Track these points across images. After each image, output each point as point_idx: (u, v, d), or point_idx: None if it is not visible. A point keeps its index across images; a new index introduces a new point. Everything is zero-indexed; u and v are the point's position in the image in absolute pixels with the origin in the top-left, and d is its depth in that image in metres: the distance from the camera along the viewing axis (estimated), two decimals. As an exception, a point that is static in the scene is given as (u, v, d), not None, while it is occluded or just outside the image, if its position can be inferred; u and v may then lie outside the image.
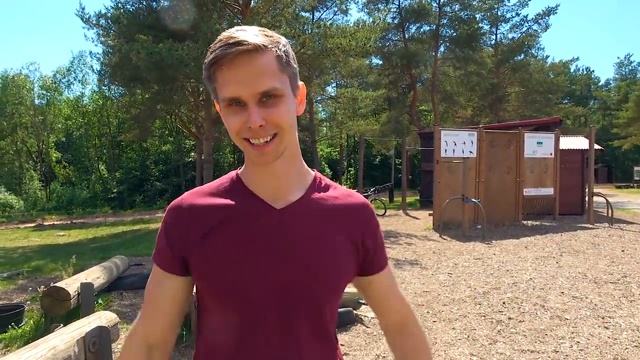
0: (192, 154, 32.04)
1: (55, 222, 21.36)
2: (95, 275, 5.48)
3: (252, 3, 18.96)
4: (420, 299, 5.43)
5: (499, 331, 4.31)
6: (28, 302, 5.67)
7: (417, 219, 14.65)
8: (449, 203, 10.68)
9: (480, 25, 33.26)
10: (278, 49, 0.82)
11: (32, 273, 7.77)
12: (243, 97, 0.79)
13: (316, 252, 0.88)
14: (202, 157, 24.18)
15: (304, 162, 0.96)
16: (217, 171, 31.12)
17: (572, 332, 4.21)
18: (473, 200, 10.62)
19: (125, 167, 34.25)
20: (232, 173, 0.96)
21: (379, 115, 34.51)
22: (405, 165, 20.06)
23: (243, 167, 0.96)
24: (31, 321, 4.77)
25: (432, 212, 11.60)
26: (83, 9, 18.25)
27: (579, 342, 3.99)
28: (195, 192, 0.94)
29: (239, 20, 17.33)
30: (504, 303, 5.15)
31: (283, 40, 0.85)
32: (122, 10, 19.11)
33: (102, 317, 3.73)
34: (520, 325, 4.45)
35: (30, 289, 6.44)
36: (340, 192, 0.97)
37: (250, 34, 0.81)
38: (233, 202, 0.90)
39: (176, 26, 16.99)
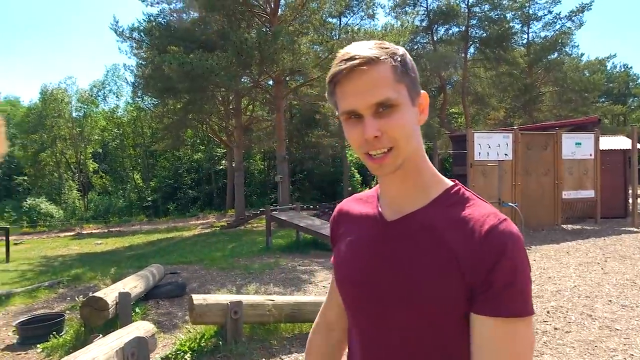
0: (223, 162, 32.47)
1: (93, 231, 21.96)
2: (132, 284, 5.54)
3: (279, 11, 19.11)
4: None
5: (545, 342, 4.11)
6: (68, 311, 5.78)
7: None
8: (484, 207, 10.41)
9: (511, 24, 32.55)
10: (393, 59, 0.82)
11: (72, 282, 7.96)
12: (359, 109, 0.81)
13: (415, 271, 0.83)
14: (233, 165, 24.45)
15: (434, 174, 0.92)
16: (248, 178, 31.44)
17: (625, 344, 3.98)
18: (510, 204, 10.32)
19: (159, 176, 35.00)
20: None
21: (408, 119, 34.19)
22: (437, 169, 19.74)
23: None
24: (71, 330, 4.85)
25: (466, 216, 11.34)
26: (117, 22, 18.78)
27: (632, 354, 3.77)
28: (351, 197, 1.08)
29: (267, 29, 17.48)
30: (548, 312, 4.94)
31: (400, 50, 0.86)
32: (154, 22, 19.57)
33: (140, 328, 3.75)
34: (567, 336, 4.24)
35: (69, 298, 6.58)
36: (474, 209, 0.85)
37: (364, 47, 0.83)
38: (364, 210, 0.98)
39: (206, 37, 17.29)
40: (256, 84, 20.02)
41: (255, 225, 19.29)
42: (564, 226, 11.74)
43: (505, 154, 11.30)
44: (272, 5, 18.68)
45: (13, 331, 5.10)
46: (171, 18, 20.26)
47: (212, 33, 18.53)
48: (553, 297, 5.48)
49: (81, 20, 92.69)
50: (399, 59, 0.83)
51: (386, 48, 0.83)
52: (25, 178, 34.89)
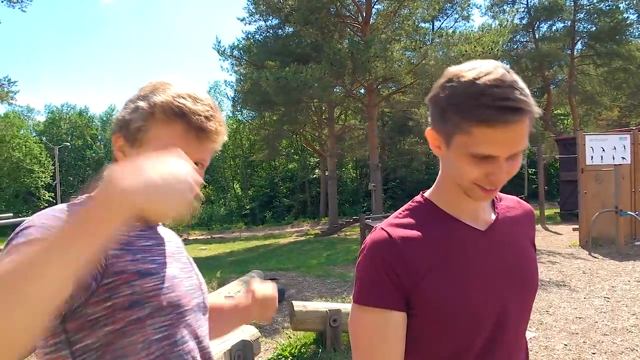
0: (317, 170, 33.15)
1: (198, 237, 23.49)
2: (236, 289, 5.83)
3: (371, 19, 19.19)
4: (574, 326, 4.84)
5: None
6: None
7: (559, 234, 13.31)
8: (598, 216, 9.51)
9: (625, 15, 29.68)
10: (534, 107, 0.81)
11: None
12: (499, 156, 0.81)
13: (524, 263, 0.97)
14: (326, 174, 24.86)
15: None
16: (341, 187, 31.77)
17: None
18: (630, 213, 9.34)
19: (256, 185, 36.63)
20: (419, 198, 0.98)
21: (508, 123, 32.51)
22: (542, 175, 18.47)
23: (431, 190, 0.98)
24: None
25: (577, 226, 10.43)
26: (219, 42, 20.05)
27: None
28: (395, 224, 0.92)
29: (359, 38, 17.60)
30: (682, 335, 4.37)
31: (532, 101, 0.82)
32: (251, 40, 20.61)
33: (245, 331, 3.91)
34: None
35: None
36: (510, 201, 1.06)
37: (524, 96, 0.79)
38: (442, 231, 0.91)
39: (300, 50, 17.84)
40: (349, 93, 20.24)
41: (348, 233, 19.40)
42: (697, 238, 10.37)
43: (623, 158, 10.26)
44: (364, 14, 18.82)
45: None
46: (267, 34, 21.21)
47: (307, 46, 19.10)
48: (688, 318, 4.84)
49: (184, 39, 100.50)
50: (536, 109, 0.82)
51: (529, 95, 0.80)
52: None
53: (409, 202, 0.98)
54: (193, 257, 1.13)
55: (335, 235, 18.88)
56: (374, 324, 0.87)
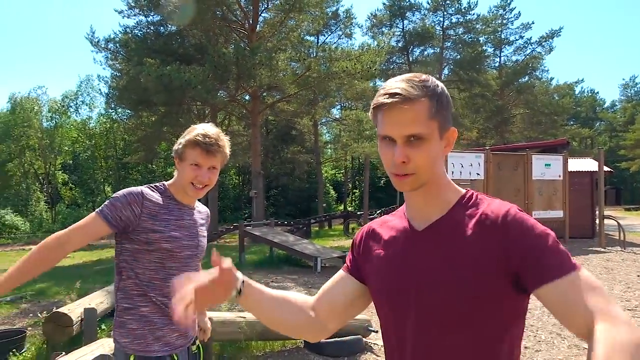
0: (198, 175, 32.09)
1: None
2: (98, 299, 5.37)
3: (258, 27, 19.20)
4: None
5: (515, 361, 4.14)
6: (30, 328, 5.55)
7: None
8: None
9: (484, 48, 33.53)
10: (431, 98, 0.95)
11: (36, 297, 7.67)
12: (393, 137, 0.95)
13: (444, 265, 0.96)
14: (208, 179, 24.24)
15: (452, 186, 1.06)
16: (222, 193, 31.11)
17: (592, 362, 4.05)
18: (482, 222, 10.47)
19: (130, 189, 34.28)
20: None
21: (384, 137, 34.60)
22: (411, 187, 19.94)
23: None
24: (33, 348, 4.65)
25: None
26: (93, 33, 18.53)
27: (599, 372, 3.83)
28: (379, 218, 1.18)
29: (245, 44, 17.53)
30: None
31: (439, 88, 0.98)
32: (130, 34, 19.38)
33: (105, 345, 3.63)
34: (537, 355, 4.29)
35: (31, 313, 6.33)
36: (485, 206, 1.00)
37: (408, 85, 0.95)
38: (393, 227, 1.10)
39: (183, 50, 17.20)
40: (233, 99, 19.97)
41: (228, 240, 19.06)
42: (534, 245, 11.95)
43: (478, 174, 11.51)
44: (251, 21, 18.77)
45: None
46: (148, 30, 20.12)
47: (190, 46, 18.47)
48: (536, 311, 5.55)
49: (54, 28, 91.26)
50: (437, 98, 0.96)
51: (427, 87, 0.96)
52: (-10, 188, 33.68)
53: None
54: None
55: (215, 243, 18.41)
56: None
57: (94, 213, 1.70)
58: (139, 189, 1.74)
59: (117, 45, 18.93)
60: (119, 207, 1.66)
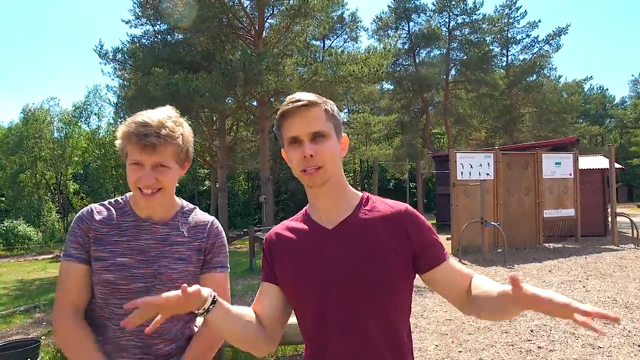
0: (207, 182, 32.27)
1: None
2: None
3: (264, 33, 19.30)
4: (444, 327, 5.25)
5: (529, 361, 4.10)
6: (44, 337, 5.61)
7: (435, 243, 14.38)
8: (467, 227, 10.47)
9: (490, 47, 33.39)
10: (326, 104, 1.18)
11: (49, 306, 7.74)
12: (300, 136, 1.13)
13: (360, 258, 1.11)
14: (217, 186, 24.32)
15: (351, 189, 1.24)
16: (232, 199, 31.24)
17: (607, 362, 4.00)
18: (492, 223, 10.41)
19: (141, 197, 34.52)
20: (304, 209, 1.28)
21: (392, 140, 34.51)
22: (421, 189, 19.87)
23: (309, 204, 1.26)
24: (47, 357, 4.70)
25: (449, 236, 11.39)
26: (102, 46, 18.70)
27: (615, 372, 3.78)
28: (279, 225, 1.29)
29: (252, 50, 17.61)
30: (532, 331, 4.94)
31: (330, 102, 1.20)
32: (137, 44, 19.57)
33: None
34: (551, 355, 4.25)
35: (45, 322, 6.39)
36: (384, 205, 1.20)
37: (306, 95, 1.15)
38: (299, 230, 1.23)
39: (190, 58, 17.31)
40: (240, 105, 20.07)
41: (238, 246, 19.10)
42: (546, 245, 11.87)
43: (487, 174, 11.44)
44: (257, 28, 18.87)
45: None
46: (155, 40, 20.31)
47: (197, 54, 18.60)
48: (536, 315, 5.50)
49: (64, 41, 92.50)
50: (330, 106, 1.18)
51: (322, 98, 1.17)
52: (3, 199, 34.14)
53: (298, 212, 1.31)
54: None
55: (225, 249, 18.44)
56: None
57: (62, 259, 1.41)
58: (88, 208, 1.45)
59: (125, 55, 19.12)
60: (81, 241, 1.38)
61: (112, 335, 1.35)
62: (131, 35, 20.74)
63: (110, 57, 19.20)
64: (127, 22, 20.18)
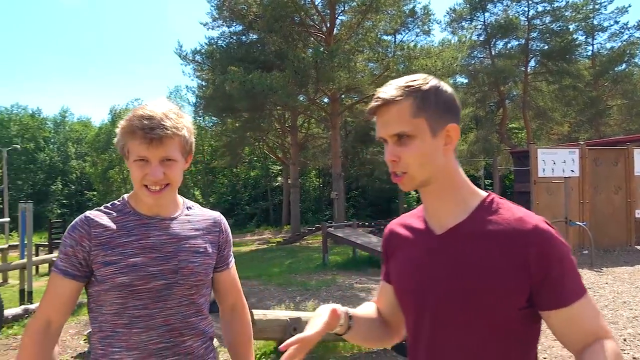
0: (279, 178, 33.03)
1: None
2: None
3: (335, 30, 19.41)
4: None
5: (622, 372, 3.84)
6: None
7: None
8: (549, 226, 9.92)
9: (574, 36, 31.26)
10: (413, 97, 0.98)
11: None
12: (383, 137, 1.01)
13: (467, 271, 0.96)
14: (289, 182, 24.82)
15: (470, 188, 1.05)
16: (303, 195, 31.77)
17: None
18: (578, 223, 9.80)
19: (217, 192, 36.08)
20: None
21: (466, 135, 33.34)
22: (497, 186, 19.10)
23: None
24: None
25: (530, 236, 10.86)
26: (181, 47, 19.73)
27: None
28: (399, 217, 1.20)
29: (323, 48, 17.77)
30: (625, 340, 4.62)
31: (427, 86, 1.00)
32: (214, 46, 20.41)
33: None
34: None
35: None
36: (510, 213, 0.98)
37: (389, 88, 1.00)
38: (413, 228, 1.11)
39: (264, 57, 17.78)
40: (312, 102, 20.34)
41: (310, 241, 19.41)
42: (638, 247, 10.98)
43: (572, 171, 10.77)
44: (328, 25, 19.02)
45: (84, 340, 5.35)
46: (231, 40, 21.09)
47: (270, 53, 19.09)
48: (629, 323, 5.13)
49: (148, 45, 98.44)
50: (421, 96, 0.98)
51: (409, 87, 0.99)
52: (95, 193, 37.05)
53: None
54: None
55: (298, 244, 18.84)
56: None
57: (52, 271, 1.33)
58: (84, 216, 1.34)
59: (203, 56, 20.03)
60: (70, 252, 1.28)
61: (137, 340, 1.27)
62: (209, 37, 21.76)
63: (190, 58, 20.20)
64: (204, 25, 21.11)
